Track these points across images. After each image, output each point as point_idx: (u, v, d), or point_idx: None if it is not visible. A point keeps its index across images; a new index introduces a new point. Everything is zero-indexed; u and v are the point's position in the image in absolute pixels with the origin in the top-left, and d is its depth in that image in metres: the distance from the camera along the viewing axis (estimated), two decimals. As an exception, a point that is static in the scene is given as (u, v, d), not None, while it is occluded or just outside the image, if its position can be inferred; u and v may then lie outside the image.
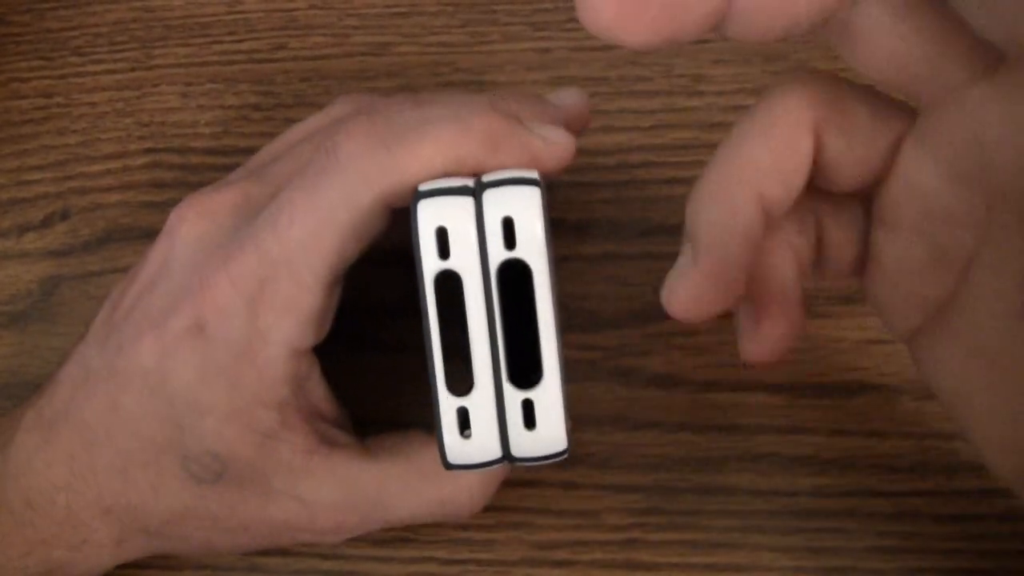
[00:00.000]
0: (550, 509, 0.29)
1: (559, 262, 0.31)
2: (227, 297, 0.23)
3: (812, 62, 0.32)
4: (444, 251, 0.21)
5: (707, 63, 0.32)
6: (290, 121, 0.33)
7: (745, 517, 0.28)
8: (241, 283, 0.23)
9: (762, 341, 0.22)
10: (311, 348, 0.25)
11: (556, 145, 0.24)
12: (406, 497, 0.25)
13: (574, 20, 0.33)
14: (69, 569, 0.26)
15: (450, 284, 0.21)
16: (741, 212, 0.19)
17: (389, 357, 0.31)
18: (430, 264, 0.21)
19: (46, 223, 0.33)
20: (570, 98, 0.26)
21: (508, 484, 0.28)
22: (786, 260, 0.22)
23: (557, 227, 0.31)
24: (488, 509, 0.28)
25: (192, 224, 0.25)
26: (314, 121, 0.28)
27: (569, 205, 0.31)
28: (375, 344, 0.31)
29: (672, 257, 0.30)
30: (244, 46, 0.35)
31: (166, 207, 0.30)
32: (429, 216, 0.21)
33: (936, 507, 0.28)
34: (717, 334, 0.30)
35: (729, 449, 0.29)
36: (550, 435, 0.22)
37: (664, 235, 0.31)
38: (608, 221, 0.31)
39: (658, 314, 0.30)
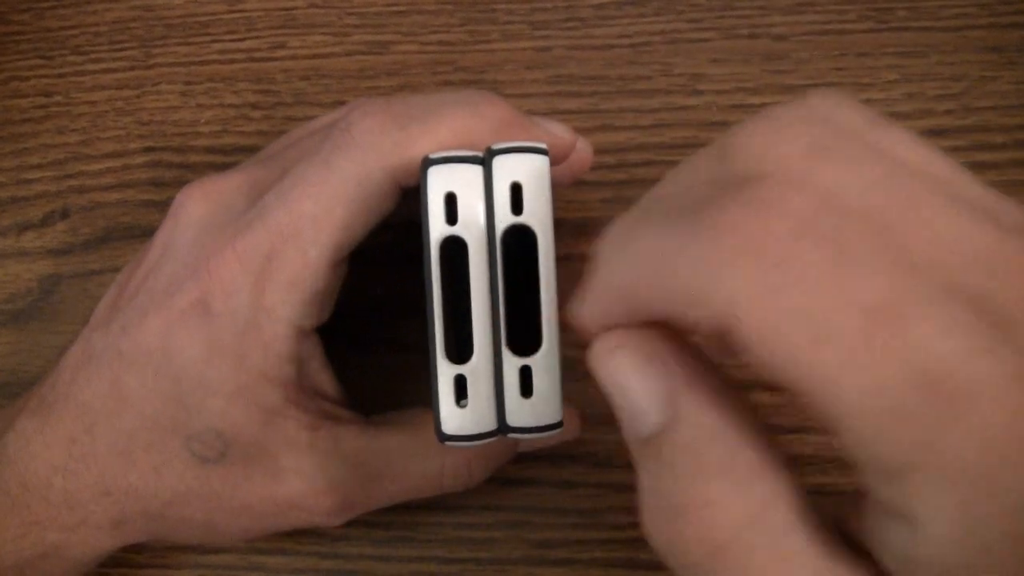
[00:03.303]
0: (549, 508, 0.29)
1: (559, 262, 0.31)
2: (233, 273, 0.23)
3: (813, 62, 0.32)
4: (452, 217, 0.21)
5: (706, 62, 0.32)
6: (290, 119, 0.33)
7: (744, 516, 0.28)
8: (247, 259, 0.23)
9: None
10: (314, 328, 0.25)
11: (560, 138, 0.25)
12: (408, 468, 0.26)
13: (573, 18, 0.33)
14: (64, 552, 0.25)
15: (454, 253, 0.21)
16: None
17: (391, 356, 0.31)
18: (436, 229, 0.21)
19: (46, 222, 0.33)
20: (579, 141, 0.27)
21: (507, 483, 0.28)
22: None
23: (556, 227, 0.31)
24: (487, 508, 0.29)
25: (197, 204, 0.25)
26: (327, 117, 0.28)
27: (569, 205, 0.31)
28: (377, 342, 0.31)
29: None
30: (244, 45, 0.35)
31: (166, 206, 0.29)
32: (439, 182, 0.21)
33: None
34: (717, 333, 0.30)
35: (728, 448, 0.29)
36: (546, 404, 0.22)
37: (664, 234, 0.31)
38: (608, 220, 0.31)
39: (658, 313, 0.30)
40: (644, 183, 0.31)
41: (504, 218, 0.21)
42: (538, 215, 0.21)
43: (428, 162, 0.21)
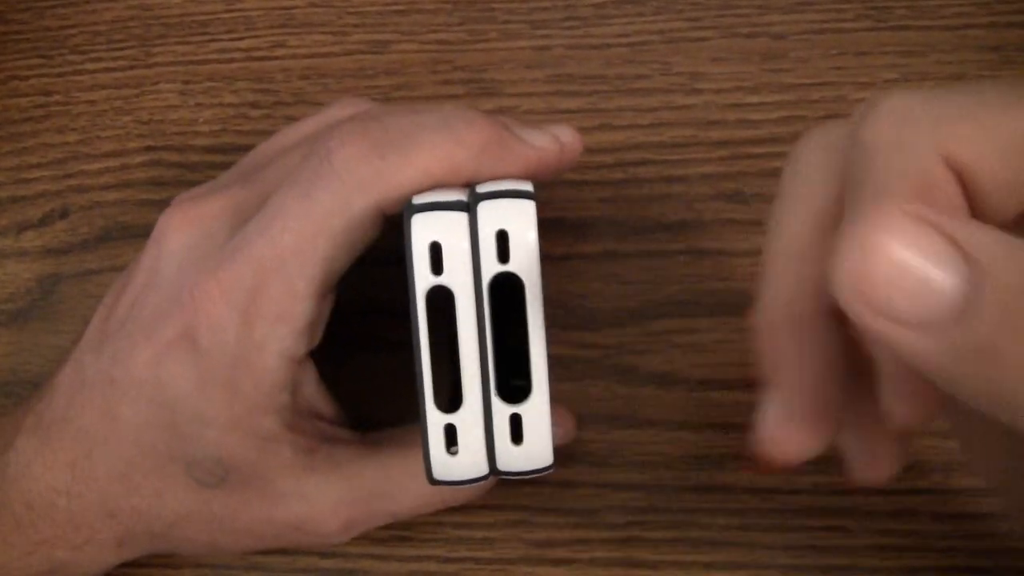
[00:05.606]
0: (549, 507, 0.29)
1: (558, 261, 0.31)
2: (218, 309, 0.23)
3: (811, 61, 0.32)
4: (437, 267, 0.21)
5: (705, 61, 0.32)
6: (289, 119, 0.33)
7: (744, 515, 0.28)
8: (232, 294, 0.23)
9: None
10: (306, 354, 0.25)
11: (546, 151, 0.24)
12: (409, 486, 0.26)
13: (572, 18, 0.33)
14: (72, 568, 0.26)
15: (441, 298, 0.21)
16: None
17: (390, 357, 0.31)
18: (422, 279, 0.21)
19: (45, 221, 0.33)
20: (564, 134, 0.26)
21: (507, 483, 0.28)
22: None
23: (556, 226, 0.31)
24: (487, 508, 0.29)
25: (179, 232, 0.25)
26: (310, 123, 0.27)
27: (568, 204, 0.31)
28: (376, 344, 0.31)
29: (670, 255, 0.30)
30: (243, 44, 0.35)
31: (165, 205, 0.29)
32: (423, 231, 0.21)
33: (934, 505, 0.28)
34: (716, 333, 0.30)
35: (728, 447, 0.29)
36: (537, 450, 0.22)
37: (663, 233, 0.31)
38: (607, 219, 0.31)
39: (656, 312, 0.30)
40: (643, 182, 0.31)
41: (490, 267, 0.21)
42: (525, 262, 0.21)
43: (412, 209, 0.21)
